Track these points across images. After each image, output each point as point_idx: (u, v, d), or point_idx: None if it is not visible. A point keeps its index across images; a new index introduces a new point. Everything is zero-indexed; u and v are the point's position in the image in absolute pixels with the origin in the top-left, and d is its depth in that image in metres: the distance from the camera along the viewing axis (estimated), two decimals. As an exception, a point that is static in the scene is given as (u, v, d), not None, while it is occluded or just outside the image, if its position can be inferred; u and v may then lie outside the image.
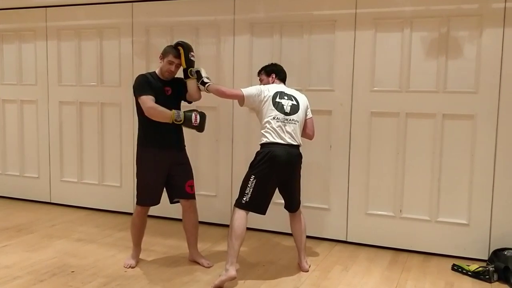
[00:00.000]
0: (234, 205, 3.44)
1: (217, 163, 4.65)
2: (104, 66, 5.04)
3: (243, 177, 3.48)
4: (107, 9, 4.96)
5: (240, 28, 4.44)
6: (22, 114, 5.50)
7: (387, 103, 4.04)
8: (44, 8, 5.22)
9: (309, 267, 3.64)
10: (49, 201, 5.46)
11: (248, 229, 4.19)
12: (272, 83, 3.66)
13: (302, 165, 3.60)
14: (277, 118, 3.43)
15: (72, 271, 3.52)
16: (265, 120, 3.45)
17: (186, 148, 3.74)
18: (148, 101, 3.38)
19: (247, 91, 3.51)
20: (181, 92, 3.61)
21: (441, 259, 3.89)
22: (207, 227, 4.61)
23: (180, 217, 3.76)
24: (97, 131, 5.12)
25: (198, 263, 3.69)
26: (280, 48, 4.33)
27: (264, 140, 3.44)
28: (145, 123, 3.52)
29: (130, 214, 4.67)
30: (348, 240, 4.24)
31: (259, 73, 3.78)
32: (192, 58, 3.54)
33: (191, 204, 3.64)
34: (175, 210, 3.90)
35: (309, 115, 3.65)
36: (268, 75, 3.70)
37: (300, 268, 3.63)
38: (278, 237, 4.36)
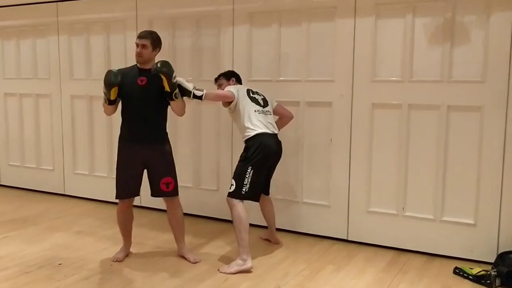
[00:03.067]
0: (232, 196, 3.46)
1: (218, 157, 4.55)
2: (112, 60, 5.04)
3: (236, 170, 3.55)
4: (113, 3, 4.95)
5: (240, 18, 4.31)
6: (38, 108, 5.61)
7: (389, 94, 3.81)
8: (56, 3, 5.29)
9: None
10: (63, 193, 5.55)
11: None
12: (233, 84, 3.79)
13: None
14: (258, 110, 3.60)
15: (59, 264, 3.53)
16: (247, 114, 3.55)
17: (165, 142, 3.54)
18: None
19: (234, 91, 3.60)
20: (157, 85, 3.32)
21: (444, 261, 3.63)
22: (207, 221, 4.56)
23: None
24: (105, 125, 5.15)
25: (185, 258, 3.61)
26: (279, 38, 4.17)
27: (253, 132, 3.51)
28: (122, 117, 3.51)
29: (136, 206, 4.68)
30: (349, 239, 4.04)
31: (217, 79, 3.88)
32: (174, 81, 3.28)
33: (172, 201, 3.54)
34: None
35: (275, 103, 3.85)
36: (228, 79, 3.83)
37: (273, 242, 3.95)
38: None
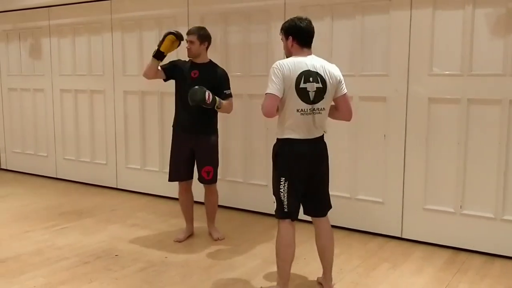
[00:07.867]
0: (277, 217, 2.90)
1: (267, 152, 4.50)
2: (163, 56, 5.11)
3: (273, 182, 2.91)
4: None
5: (291, 12, 4.23)
6: (92, 103, 5.77)
7: (447, 88, 3.69)
8: (109, 1, 5.41)
9: None
10: (115, 187, 5.69)
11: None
12: (291, 47, 2.86)
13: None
14: (302, 110, 2.77)
15: (116, 255, 3.62)
16: (288, 112, 2.78)
17: (212, 133, 3.83)
18: None
19: (273, 90, 2.72)
20: (209, 79, 3.66)
21: (506, 262, 3.49)
22: (257, 217, 4.57)
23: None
24: (157, 120, 5.23)
25: (211, 235, 3.99)
26: (331, 31, 4.12)
27: (283, 135, 2.84)
28: (175, 106, 3.81)
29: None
30: (403, 236, 3.95)
31: (281, 30, 2.93)
32: (209, 101, 3.49)
33: (209, 188, 3.89)
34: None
35: (343, 90, 2.90)
36: (286, 36, 2.87)
37: None
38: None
